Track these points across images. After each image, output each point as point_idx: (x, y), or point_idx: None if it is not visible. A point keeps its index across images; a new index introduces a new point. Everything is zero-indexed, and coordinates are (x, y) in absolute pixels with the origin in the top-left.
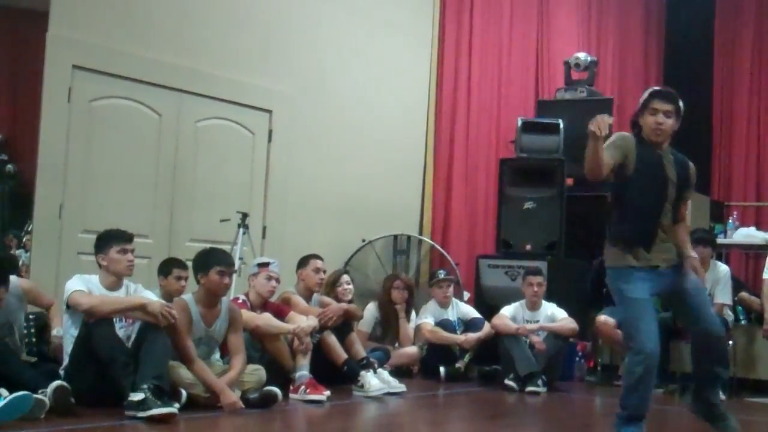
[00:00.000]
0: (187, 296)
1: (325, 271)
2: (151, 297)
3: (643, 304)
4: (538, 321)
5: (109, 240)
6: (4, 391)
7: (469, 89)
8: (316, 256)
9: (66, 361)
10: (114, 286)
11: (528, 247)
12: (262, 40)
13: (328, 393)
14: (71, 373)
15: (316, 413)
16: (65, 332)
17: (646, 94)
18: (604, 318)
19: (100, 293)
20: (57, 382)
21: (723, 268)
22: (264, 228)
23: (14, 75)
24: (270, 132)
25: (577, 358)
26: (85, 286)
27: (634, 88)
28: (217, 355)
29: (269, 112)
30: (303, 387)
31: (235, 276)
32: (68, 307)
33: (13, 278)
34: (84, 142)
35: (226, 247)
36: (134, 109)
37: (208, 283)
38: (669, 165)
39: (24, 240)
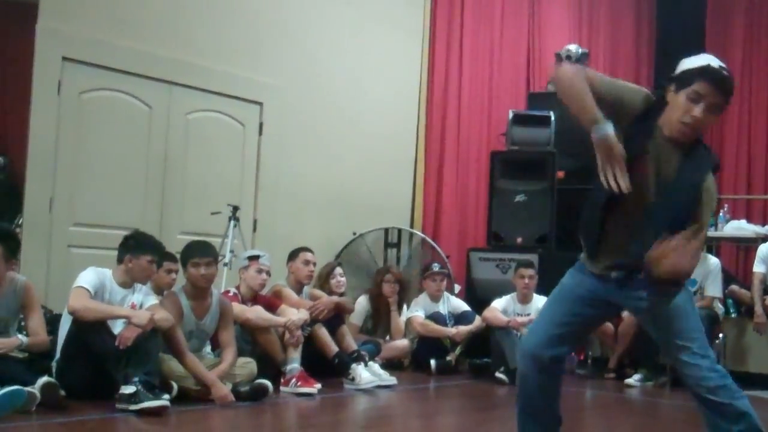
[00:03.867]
0: (177, 289)
1: (315, 264)
2: (152, 300)
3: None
4: (529, 314)
5: (145, 248)
6: None
7: (460, 82)
8: (306, 249)
9: (58, 354)
10: (127, 285)
11: (519, 239)
12: (253, 32)
13: (319, 386)
14: (63, 367)
15: (307, 406)
16: (62, 324)
17: (694, 65)
18: None
19: (112, 288)
20: (45, 379)
21: (713, 260)
22: (255, 221)
23: (3, 67)
24: (261, 124)
25: None
26: (97, 280)
27: (626, 81)
28: (208, 348)
29: (260, 104)
30: (294, 380)
31: (225, 269)
32: None
33: (21, 277)
34: (74, 135)
35: (217, 240)
36: (124, 101)
37: (189, 277)
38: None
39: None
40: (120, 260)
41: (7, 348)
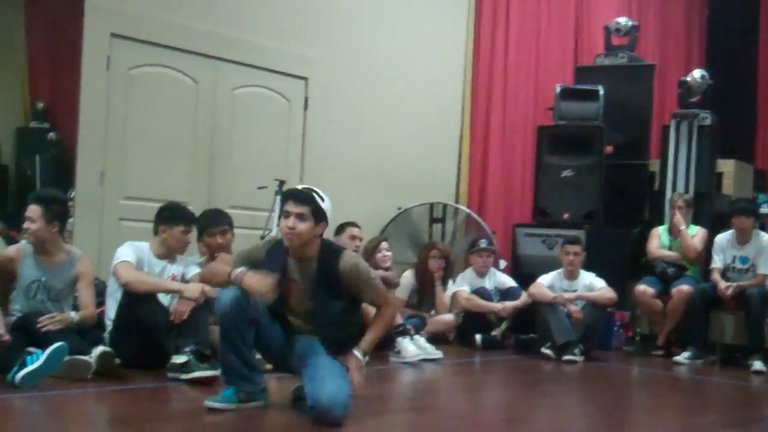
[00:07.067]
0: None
1: (361, 239)
2: (195, 270)
3: None
4: (575, 290)
5: (178, 217)
6: (33, 349)
7: (507, 55)
8: (353, 224)
9: (110, 325)
10: (165, 256)
11: (566, 215)
12: (298, 6)
13: (366, 358)
14: (116, 338)
15: None
16: (109, 296)
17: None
18: (642, 288)
19: (150, 261)
20: (101, 348)
21: (766, 237)
22: None
23: (53, 44)
24: (306, 99)
25: (616, 328)
26: (135, 254)
27: (677, 54)
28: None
29: (305, 79)
30: None
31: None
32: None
33: (77, 250)
34: (123, 110)
35: (263, 214)
36: (172, 77)
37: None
38: None
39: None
40: (155, 231)
41: (62, 324)
